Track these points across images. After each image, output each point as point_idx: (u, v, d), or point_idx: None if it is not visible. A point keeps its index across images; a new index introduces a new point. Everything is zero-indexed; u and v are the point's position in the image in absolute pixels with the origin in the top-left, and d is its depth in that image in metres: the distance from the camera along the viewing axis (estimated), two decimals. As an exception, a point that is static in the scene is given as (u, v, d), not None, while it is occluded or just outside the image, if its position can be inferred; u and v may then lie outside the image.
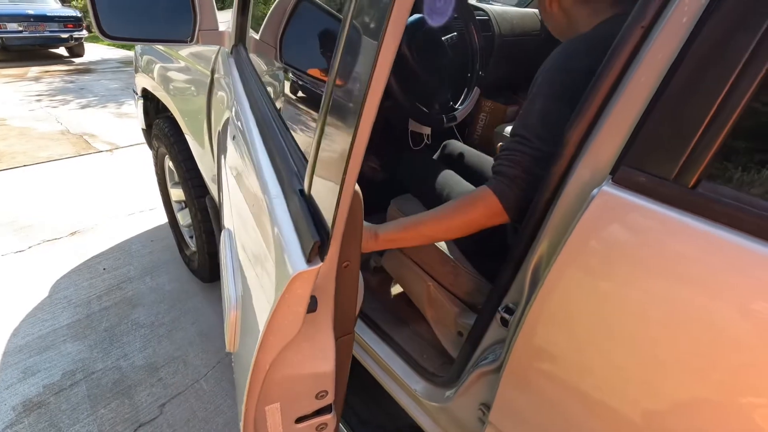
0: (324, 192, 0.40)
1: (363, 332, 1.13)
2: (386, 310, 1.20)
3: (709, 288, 0.42)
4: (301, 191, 0.45)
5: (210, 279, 1.97)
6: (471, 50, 1.29)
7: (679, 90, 0.44)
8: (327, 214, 0.38)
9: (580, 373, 0.54)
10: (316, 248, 0.38)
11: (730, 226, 0.41)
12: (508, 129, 1.69)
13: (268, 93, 0.81)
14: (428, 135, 1.46)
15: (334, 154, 0.38)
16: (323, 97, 0.41)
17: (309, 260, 0.38)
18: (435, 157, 1.40)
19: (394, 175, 1.34)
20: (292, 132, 0.61)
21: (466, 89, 1.29)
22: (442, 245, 1.02)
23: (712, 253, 0.42)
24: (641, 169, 0.46)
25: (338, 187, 0.35)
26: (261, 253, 0.48)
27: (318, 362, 0.46)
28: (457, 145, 1.32)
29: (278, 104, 0.84)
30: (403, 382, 1.01)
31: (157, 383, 1.56)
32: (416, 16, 1.14)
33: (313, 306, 0.42)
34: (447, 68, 1.24)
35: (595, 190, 0.49)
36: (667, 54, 0.45)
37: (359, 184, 0.44)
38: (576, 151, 0.55)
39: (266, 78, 0.96)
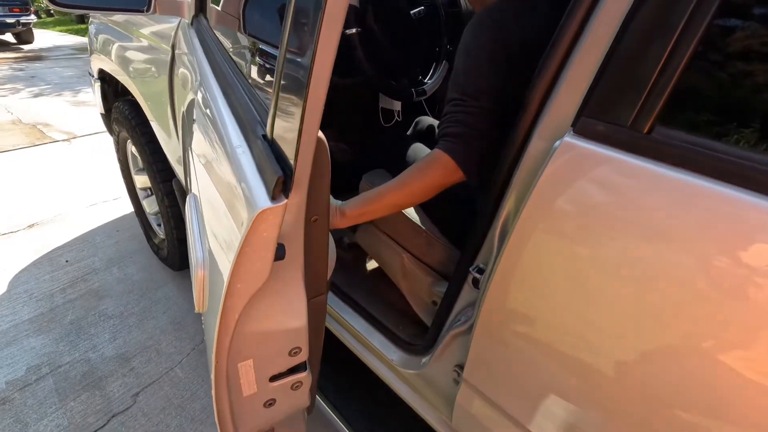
0: (286, 133, 0.39)
1: (340, 309, 1.13)
2: (362, 285, 1.21)
3: (666, 228, 0.44)
4: (264, 136, 0.44)
5: (180, 266, 1.92)
6: (439, 24, 1.29)
7: (633, 42, 0.45)
8: (290, 153, 0.38)
9: (546, 326, 0.56)
10: (279, 183, 0.38)
11: (683, 167, 0.43)
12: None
13: (232, 59, 0.79)
14: (398, 111, 1.46)
15: (294, 94, 0.37)
16: (281, 40, 0.40)
17: (273, 197, 0.38)
18: (408, 133, 1.41)
19: (367, 154, 1.34)
20: (257, 92, 0.59)
21: (434, 63, 1.29)
22: (414, 217, 1.03)
23: (667, 193, 0.44)
24: (600, 118, 0.48)
25: (298, 125, 0.35)
26: (225, 207, 0.47)
27: (289, 318, 0.46)
28: (428, 121, 1.33)
29: (243, 69, 0.82)
30: (380, 354, 1.03)
31: (129, 373, 1.52)
32: (382, -14, 1.13)
33: (281, 253, 0.42)
34: (415, 42, 1.23)
35: (557, 142, 0.51)
36: (621, 7, 0.47)
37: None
38: (539, 107, 0.57)
39: (230, 46, 0.93)
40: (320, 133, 0.39)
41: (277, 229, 0.38)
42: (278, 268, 0.43)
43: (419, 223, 1.02)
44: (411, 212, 1.04)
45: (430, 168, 0.75)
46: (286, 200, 0.37)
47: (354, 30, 1.03)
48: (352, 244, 1.29)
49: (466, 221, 1.01)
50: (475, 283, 0.76)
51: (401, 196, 0.79)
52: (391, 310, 1.14)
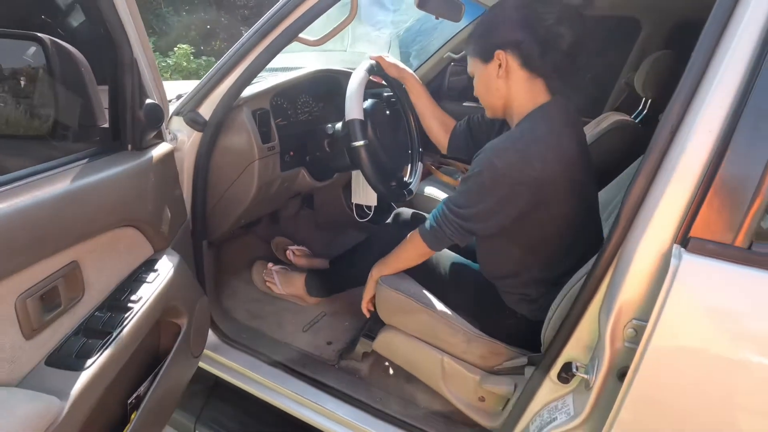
0: None
1: (379, 429, 1.05)
2: (391, 394, 1.14)
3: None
4: None
5: None
6: (408, 127, 1.40)
7: (728, 176, 0.59)
8: None
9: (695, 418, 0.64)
10: None
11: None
12: (427, 189, 1.85)
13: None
14: (371, 206, 1.50)
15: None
16: None
17: None
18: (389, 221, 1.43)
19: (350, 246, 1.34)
20: None
21: (411, 164, 1.38)
22: (451, 316, 1.04)
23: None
24: (707, 239, 0.60)
25: None
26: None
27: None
28: (409, 212, 1.38)
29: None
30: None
31: None
32: (371, 101, 1.19)
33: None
34: (395, 146, 1.32)
35: (674, 259, 0.61)
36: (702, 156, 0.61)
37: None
38: (628, 223, 0.68)
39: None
40: None
41: None
42: None
43: (455, 322, 1.04)
44: (445, 309, 1.05)
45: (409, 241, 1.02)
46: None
47: (361, 142, 1.06)
48: (368, 353, 1.22)
49: (494, 312, 1.07)
50: (563, 379, 0.81)
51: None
52: (431, 415, 1.10)
